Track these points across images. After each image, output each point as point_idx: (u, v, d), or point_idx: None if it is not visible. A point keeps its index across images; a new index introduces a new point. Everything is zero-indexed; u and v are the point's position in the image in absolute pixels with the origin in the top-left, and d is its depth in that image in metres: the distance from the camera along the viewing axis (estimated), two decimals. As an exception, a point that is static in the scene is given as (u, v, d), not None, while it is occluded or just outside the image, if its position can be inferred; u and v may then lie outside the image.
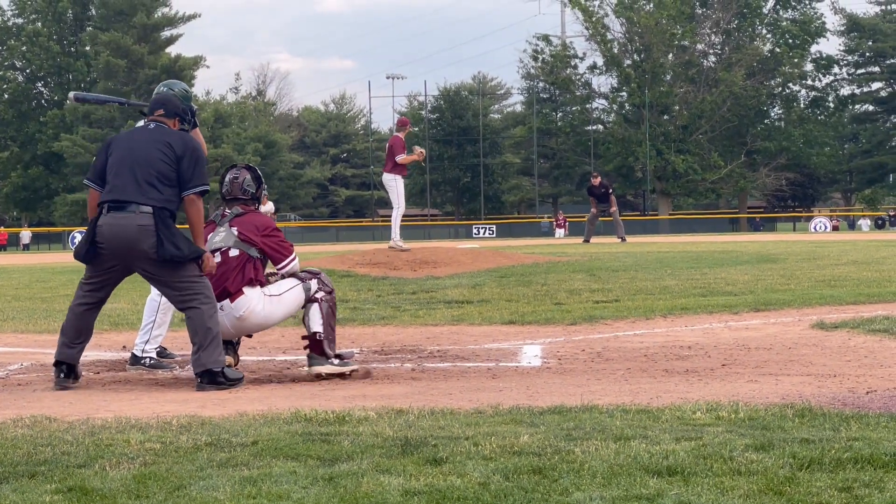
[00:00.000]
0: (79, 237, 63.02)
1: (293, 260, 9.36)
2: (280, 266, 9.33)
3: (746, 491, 4.78)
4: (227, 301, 9.06)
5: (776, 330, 11.63)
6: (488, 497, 4.76)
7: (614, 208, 38.95)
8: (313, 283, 9.32)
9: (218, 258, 9.12)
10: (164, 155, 8.78)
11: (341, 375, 9.07)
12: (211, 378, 8.62)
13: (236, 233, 9.22)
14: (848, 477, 4.98)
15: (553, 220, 77.76)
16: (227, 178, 9.50)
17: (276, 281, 9.35)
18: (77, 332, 8.89)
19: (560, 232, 70.41)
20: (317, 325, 9.20)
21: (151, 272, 8.85)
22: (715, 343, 10.71)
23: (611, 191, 39.35)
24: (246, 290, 9.12)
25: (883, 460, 5.20)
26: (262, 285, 9.21)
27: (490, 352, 10.63)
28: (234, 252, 9.17)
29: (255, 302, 9.13)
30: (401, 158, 22.10)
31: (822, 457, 5.28)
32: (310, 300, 9.27)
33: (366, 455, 5.57)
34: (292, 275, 9.38)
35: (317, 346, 9.16)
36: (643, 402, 7.23)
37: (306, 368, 9.22)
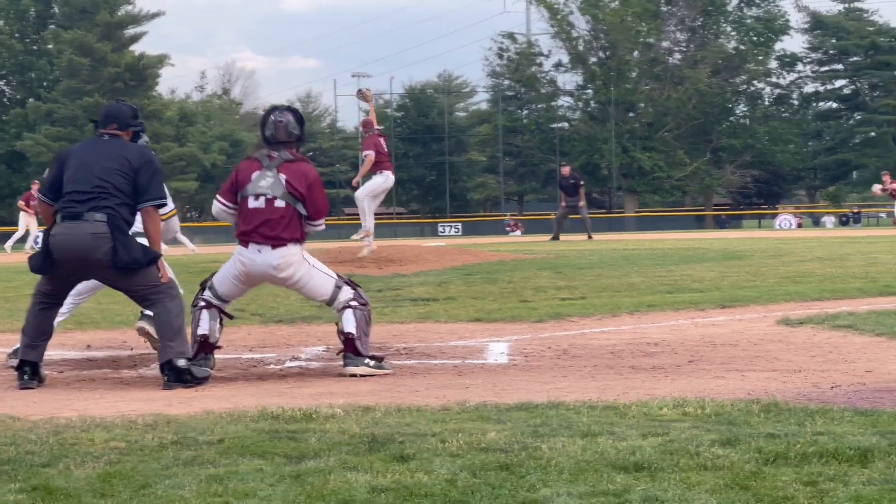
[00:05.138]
0: (41, 236, 62.54)
1: (322, 223, 9.37)
2: (312, 223, 9.30)
3: (713, 486, 4.79)
4: (267, 247, 9.05)
5: (742, 326, 11.67)
6: (455, 493, 4.75)
7: (582, 203, 38.56)
8: (348, 290, 9.32)
9: (262, 203, 9.09)
10: (121, 167, 8.75)
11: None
12: (177, 375, 8.59)
13: (284, 182, 9.14)
14: (813, 471, 5.00)
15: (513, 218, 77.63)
16: (269, 121, 9.46)
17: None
18: (38, 331, 8.87)
19: (516, 232, 70.18)
20: (350, 326, 9.18)
21: (110, 278, 8.86)
22: (681, 339, 10.74)
23: (581, 183, 39.00)
24: (289, 244, 9.10)
25: (847, 454, 5.22)
26: (301, 244, 9.21)
27: (456, 349, 10.62)
28: (279, 203, 9.10)
29: (294, 257, 9.13)
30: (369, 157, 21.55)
31: (787, 451, 5.30)
32: (345, 307, 9.24)
33: (333, 452, 5.56)
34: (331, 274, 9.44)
35: (350, 345, 9.13)
36: (610, 398, 7.24)
37: (343, 368, 9.19)
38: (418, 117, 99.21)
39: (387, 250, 21.55)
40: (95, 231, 8.56)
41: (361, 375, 8.99)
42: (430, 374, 8.99)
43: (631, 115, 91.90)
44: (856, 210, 79.59)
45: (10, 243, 41.32)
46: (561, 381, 8.35)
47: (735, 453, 5.32)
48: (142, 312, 9.52)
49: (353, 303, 9.28)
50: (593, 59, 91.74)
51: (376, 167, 21.27)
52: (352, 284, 9.45)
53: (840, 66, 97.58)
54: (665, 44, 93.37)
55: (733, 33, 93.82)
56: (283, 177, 9.16)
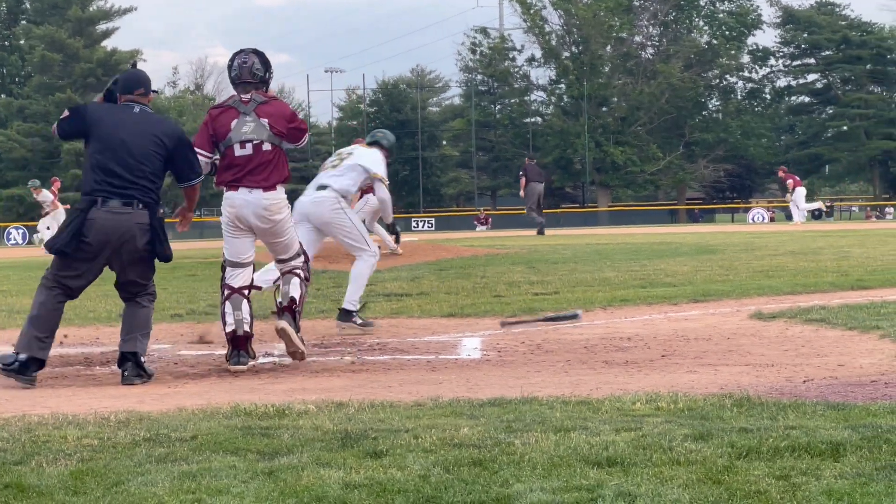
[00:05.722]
0: (15, 233, 62.18)
1: (304, 140, 9.62)
2: (297, 144, 9.55)
3: (685, 480, 4.80)
4: (258, 190, 9.21)
5: (715, 320, 11.70)
6: (429, 489, 4.75)
7: (521, 193, 37.62)
8: (301, 259, 9.60)
9: (249, 150, 9.22)
10: (157, 148, 8.70)
11: (294, 354, 9.20)
12: (137, 370, 8.60)
13: (267, 125, 9.25)
14: (785, 465, 5.01)
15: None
16: (235, 63, 9.49)
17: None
18: (49, 325, 8.58)
19: (482, 227, 70.08)
20: (295, 292, 9.44)
21: (127, 266, 8.69)
22: (654, 334, 10.76)
23: (520, 173, 38.36)
24: (278, 186, 9.31)
25: (819, 448, 5.24)
26: (286, 183, 9.44)
27: (430, 344, 10.62)
28: (267, 147, 9.25)
29: (284, 203, 9.38)
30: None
31: (759, 445, 5.32)
32: (293, 273, 9.48)
33: (306, 448, 5.55)
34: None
35: (290, 310, 9.35)
36: (583, 393, 7.25)
37: (276, 321, 9.34)
38: (391, 112, 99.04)
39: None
40: (140, 221, 8.56)
41: (290, 339, 9.14)
42: (403, 370, 8.98)
43: (604, 109, 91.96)
44: (829, 204, 79.90)
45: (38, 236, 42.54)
46: (534, 377, 8.36)
47: (708, 448, 5.33)
48: (278, 312, 9.51)
49: (301, 273, 9.52)
50: (566, 54, 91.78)
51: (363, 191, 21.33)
52: (306, 256, 9.68)
53: (812, 61, 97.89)
54: (638, 38, 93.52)
55: (706, 28, 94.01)
56: (264, 120, 9.27)
